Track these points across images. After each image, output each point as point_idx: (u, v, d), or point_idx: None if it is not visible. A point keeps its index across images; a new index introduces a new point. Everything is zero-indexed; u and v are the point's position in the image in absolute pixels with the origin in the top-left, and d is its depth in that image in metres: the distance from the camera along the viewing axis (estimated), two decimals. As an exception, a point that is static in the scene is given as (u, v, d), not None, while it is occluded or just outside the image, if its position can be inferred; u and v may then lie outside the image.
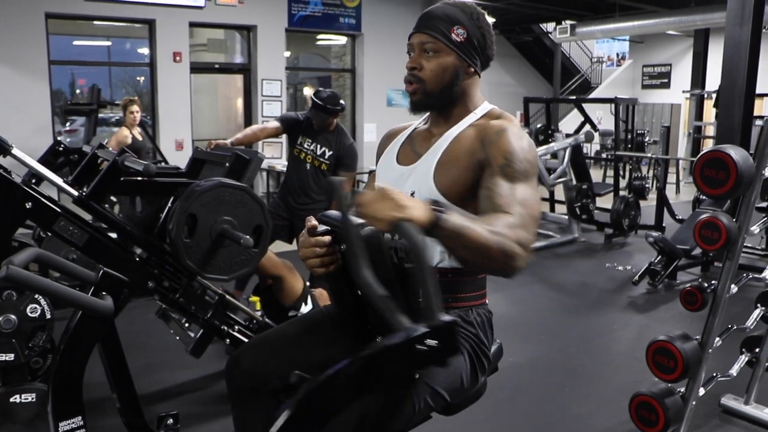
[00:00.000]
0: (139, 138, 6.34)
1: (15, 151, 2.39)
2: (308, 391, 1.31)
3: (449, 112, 1.71)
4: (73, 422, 1.79)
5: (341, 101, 4.25)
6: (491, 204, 1.47)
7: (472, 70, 1.67)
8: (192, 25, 8.97)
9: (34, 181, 3.29)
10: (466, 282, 1.65)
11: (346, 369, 1.28)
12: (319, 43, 11.39)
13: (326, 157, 4.25)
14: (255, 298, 3.52)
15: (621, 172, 8.50)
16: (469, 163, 1.58)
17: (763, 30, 5.79)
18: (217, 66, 10.03)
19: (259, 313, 3.19)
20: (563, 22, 12.77)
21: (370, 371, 1.30)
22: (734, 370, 2.93)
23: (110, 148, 3.10)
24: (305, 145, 4.26)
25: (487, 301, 1.73)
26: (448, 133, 1.68)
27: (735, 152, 2.35)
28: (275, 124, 4.36)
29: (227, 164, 2.70)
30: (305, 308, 3.27)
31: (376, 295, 1.28)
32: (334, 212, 1.59)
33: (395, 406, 1.46)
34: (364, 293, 1.34)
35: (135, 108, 6.31)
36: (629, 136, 8.77)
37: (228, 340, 2.87)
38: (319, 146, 4.24)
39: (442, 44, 1.63)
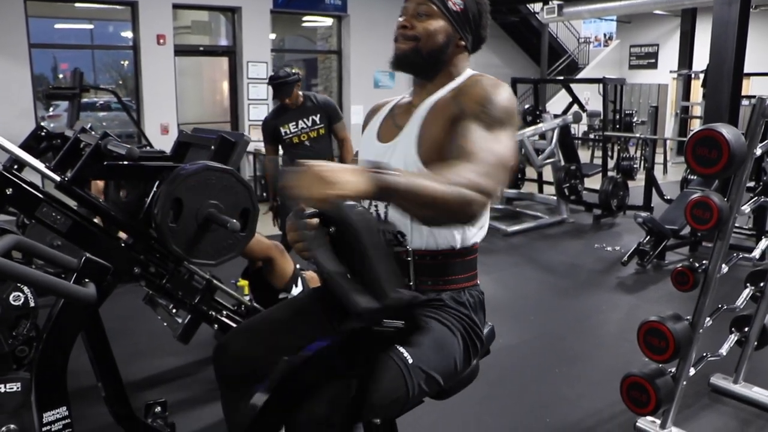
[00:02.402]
0: None
1: (-6, 136, 2.33)
2: (285, 373, 1.28)
3: (431, 79, 1.66)
4: (58, 413, 1.75)
5: (295, 71, 4.48)
6: (458, 150, 1.41)
7: (463, 43, 1.64)
8: (175, 6, 8.82)
9: (15, 167, 3.22)
10: (457, 263, 1.63)
11: (321, 352, 1.26)
12: (304, 24, 11.27)
13: (318, 122, 4.41)
14: (243, 282, 3.49)
15: (609, 153, 8.49)
16: (445, 123, 1.52)
17: (752, 9, 5.77)
18: (201, 48, 9.90)
19: (247, 298, 3.16)
20: (550, 2, 12.68)
21: (340, 355, 1.27)
22: (724, 350, 2.94)
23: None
24: (292, 130, 4.36)
25: (478, 282, 1.71)
26: (427, 101, 1.63)
27: (727, 131, 2.33)
28: (269, 148, 4.53)
29: (213, 147, 2.66)
30: (296, 290, 3.25)
31: (330, 273, 1.22)
32: None
33: (368, 388, 1.42)
34: (320, 273, 1.28)
35: None
36: (617, 117, 8.76)
37: (216, 326, 2.84)
38: (305, 119, 4.39)
39: (437, 9, 1.59)
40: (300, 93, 4.40)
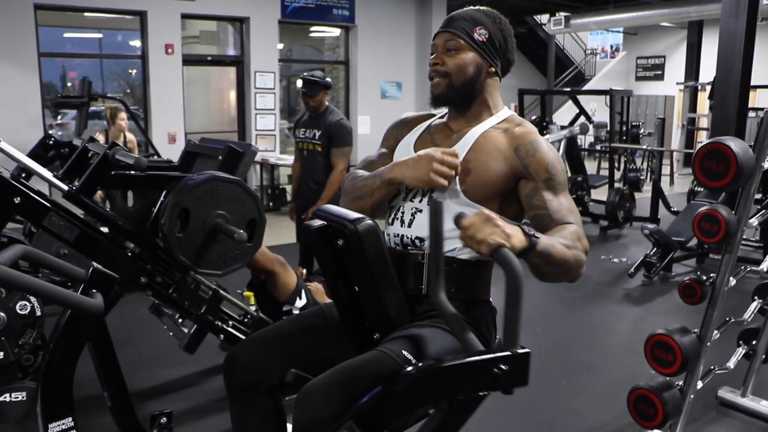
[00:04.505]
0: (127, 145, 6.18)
1: (2, 144, 2.35)
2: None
3: (468, 109, 1.73)
4: (64, 423, 1.75)
5: (327, 79, 4.39)
6: (551, 219, 1.57)
7: (493, 70, 1.71)
8: (184, 16, 8.88)
9: (23, 175, 3.24)
10: (471, 273, 1.65)
11: (412, 376, 1.28)
12: (312, 35, 11.32)
13: (317, 138, 4.34)
14: (249, 293, 3.49)
15: (616, 164, 8.46)
16: (503, 170, 1.62)
17: (759, 21, 5.76)
18: (209, 58, 9.95)
19: (253, 308, 3.16)
20: (557, 14, 12.74)
21: (441, 383, 1.29)
22: (732, 363, 2.92)
23: None
24: (300, 135, 4.43)
25: (490, 299, 1.72)
26: (471, 132, 1.69)
27: (735, 144, 2.33)
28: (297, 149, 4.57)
29: (220, 157, 2.66)
30: (300, 303, 3.24)
31: (448, 315, 1.37)
32: (330, 207, 1.58)
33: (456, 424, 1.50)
34: (438, 312, 1.42)
35: (123, 115, 6.27)
36: (624, 128, 8.74)
37: (222, 336, 2.84)
38: (310, 131, 4.37)
39: (464, 43, 1.67)
40: (327, 105, 4.35)
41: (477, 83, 1.70)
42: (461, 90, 1.69)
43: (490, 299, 1.72)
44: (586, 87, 15.98)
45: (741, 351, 3.03)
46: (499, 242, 1.29)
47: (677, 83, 14.34)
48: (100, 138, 6.18)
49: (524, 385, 1.26)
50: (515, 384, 1.25)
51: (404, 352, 1.46)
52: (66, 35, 9.42)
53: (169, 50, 8.69)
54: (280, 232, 6.81)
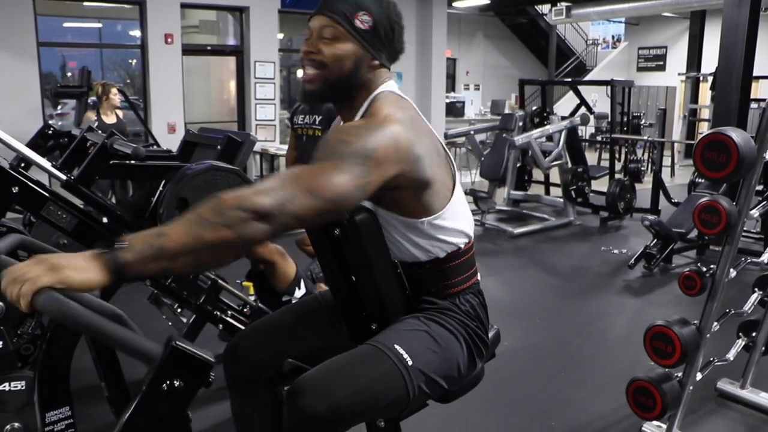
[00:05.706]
0: (114, 121, 6.30)
1: (1, 134, 2.34)
2: None
3: (347, 106, 1.55)
4: (61, 412, 1.75)
5: None
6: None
7: (377, 62, 1.52)
8: (183, 6, 8.83)
9: (22, 165, 3.23)
10: (448, 269, 1.58)
11: None
12: (312, 24, 11.28)
13: (317, 123, 4.39)
14: (248, 283, 3.49)
15: (616, 155, 8.44)
16: None
17: (762, 11, 5.73)
18: (209, 48, 9.91)
19: (252, 298, 3.15)
20: (559, 4, 12.66)
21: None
22: (731, 355, 2.92)
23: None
24: (299, 122, 4.49)
25: (478, 279, 1.66)
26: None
27: (736, 135, 2.31)
28: (291, 133, 4.64)
29: (219, 147, 2.66)
30: (299, 293, 3.23)
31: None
32: None
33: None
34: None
35: (115, 90, 6.33)
36: (625, 119, 8.72)
37: (221, 326, 2.84)
38: (311, 116, 4.47)
39: (343, 30, 1.46)
40: None
41: (356, 77, 1.48)
42: (336, 85, 1.48)
43: (477, 280, 1.65)
44: (587, 77, 15.92)
45: (741, 343, 3.03)
46: (30, 290, 1.02)
47: (679, 74, 14.28)
48: (91, 116, 6.23)
49: (208, 369, 1.08)
50: (202, 378, 1.10)
51: (396, 347, 1.46)
52: (65, 25, 9.38)
53: (169, 40, 8.65)
54: (280, 222, 6.80)
